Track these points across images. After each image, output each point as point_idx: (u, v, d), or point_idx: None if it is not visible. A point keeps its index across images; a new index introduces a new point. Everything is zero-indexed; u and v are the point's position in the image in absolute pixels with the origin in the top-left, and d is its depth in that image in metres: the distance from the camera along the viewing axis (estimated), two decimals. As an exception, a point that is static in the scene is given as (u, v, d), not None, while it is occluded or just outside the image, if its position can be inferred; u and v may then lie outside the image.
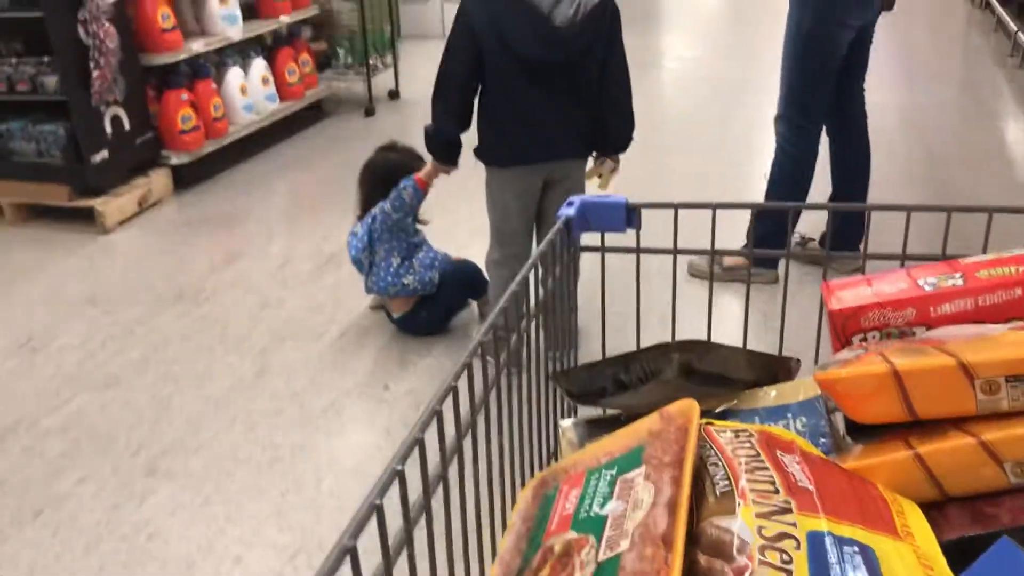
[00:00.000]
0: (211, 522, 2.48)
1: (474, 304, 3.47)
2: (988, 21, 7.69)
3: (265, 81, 5.42)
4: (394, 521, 0.75)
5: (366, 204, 3.31)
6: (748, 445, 0.90)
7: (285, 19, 5.54)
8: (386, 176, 3.22)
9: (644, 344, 1.22)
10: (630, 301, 1.42)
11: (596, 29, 2.72)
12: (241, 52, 5.35)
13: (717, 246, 1.41)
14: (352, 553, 0.67)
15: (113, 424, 2.92)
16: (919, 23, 7.79)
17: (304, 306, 3.61)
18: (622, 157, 3.00)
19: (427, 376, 3.10)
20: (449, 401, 0.88)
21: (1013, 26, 6.70)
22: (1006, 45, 6.91)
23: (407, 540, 0.81)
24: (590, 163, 3.00)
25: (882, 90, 5.20)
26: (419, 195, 3.14)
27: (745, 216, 1.52)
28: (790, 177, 3.41)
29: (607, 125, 2.88)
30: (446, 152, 2.93)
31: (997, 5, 7.30)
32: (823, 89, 3.31)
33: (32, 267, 4.07)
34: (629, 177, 3.12)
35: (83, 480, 2.66)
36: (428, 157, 3.05)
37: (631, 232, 1.43)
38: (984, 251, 1.32)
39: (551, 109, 2.79)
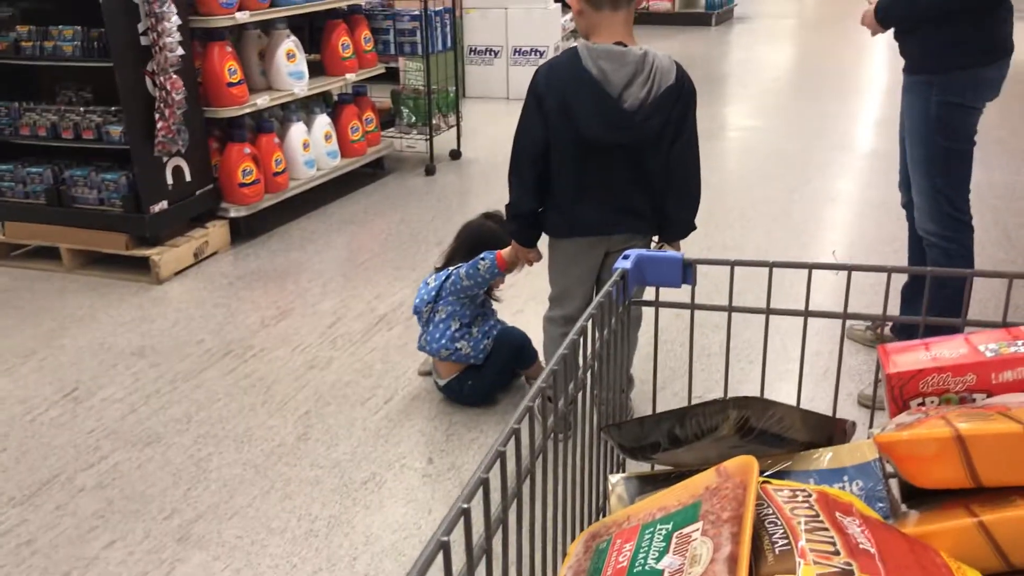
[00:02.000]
0: (239, 597, 2.37)
1: (523, 377, 3.35)
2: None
3: (328, 137, 5.43)
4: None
5: (449, 259, 3.26)
6: (807, 505, 0.89)
7: (351, 76, 5.56)
8: (475, 241, 3.19)
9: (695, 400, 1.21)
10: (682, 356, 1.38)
11: (668, 113, 2.62)
12: (305, 107, 5.38)
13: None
14: None
15: (149, 484, 2.84)
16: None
17: (352, 368, 3.52)
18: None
19: (472, 451, 2.97)
20: (511, 446, 0.89)
21: (1096, 107, 6.46)
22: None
23: None
24: (652, 247, 2.89)
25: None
26: (494, 271, 3.04)
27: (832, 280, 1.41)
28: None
29: (668, 211, 2.77)
30: (524, 230, 2.86)
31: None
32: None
33: (84, 315, 4.06)
34: (688, 244, 2.99)
35: (113, 543, 2.57)
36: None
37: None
38: None
39: (614, 191, 2.71)
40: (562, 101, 2.62)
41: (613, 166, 2.67)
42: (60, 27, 4.25)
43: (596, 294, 3.08)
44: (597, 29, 2.63)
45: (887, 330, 3.31)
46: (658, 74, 2.59)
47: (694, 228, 2.83)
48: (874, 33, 3.10)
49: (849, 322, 3.53)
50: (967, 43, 2.86)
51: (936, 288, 3.01)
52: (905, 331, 3.03)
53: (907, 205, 3.32)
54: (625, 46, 2.60)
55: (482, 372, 3.20)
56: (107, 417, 3.22)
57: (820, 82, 8.94)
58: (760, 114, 7.84)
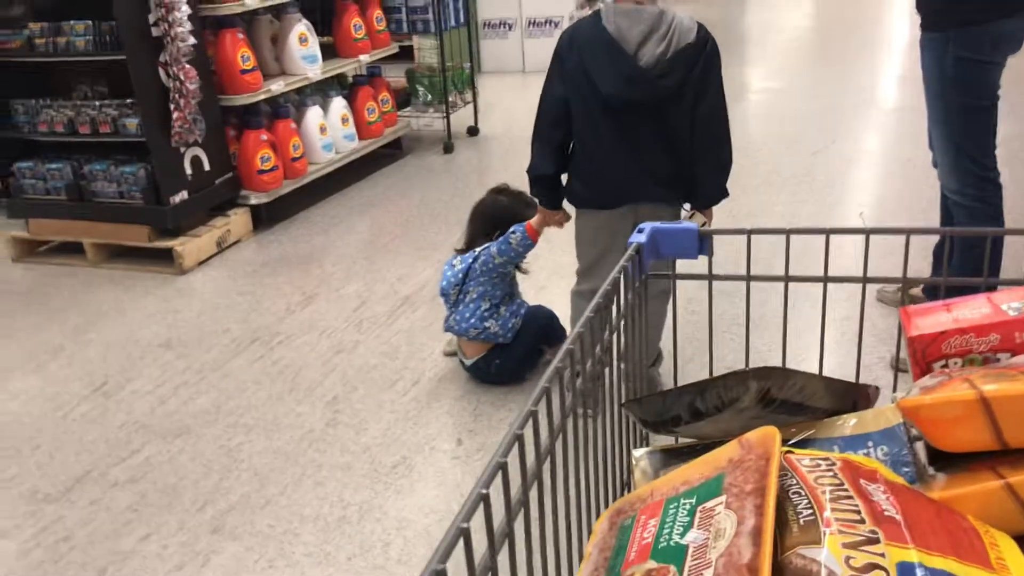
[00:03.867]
0: (275, 586, 2.37)
1: (548, 354, 3.32)
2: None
3: (344, 120, 5.40)
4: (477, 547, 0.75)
5: (470, 242, 3.22)
6: (831, 474, 0.88)
7: (365, 58, 5.52)
8: (492, 219, 3.16)
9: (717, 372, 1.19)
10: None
11: (687, 70, 2.57)
12: (321, 91, 5.35)
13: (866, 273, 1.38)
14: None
15: (181, 476, 2.85)
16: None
17: (378, 351, 3.51)
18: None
19: (501, 431, 2.96)
20: (528, 428, 0.89)
21: None
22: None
23: (491, 567, 0.80)
24: (683, 215, 2.84)
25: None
26: (527, 243, 3.01)
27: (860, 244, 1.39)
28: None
29: (698, 176, 2.72)
30: (546, 193, 2.85)
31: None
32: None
33: (110, 308, 4.08)
34: (715, 209, 2.94)
35: (148, 537, 2.59)
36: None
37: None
38: None
39: (637, 154, 2.66)
40: (580, 60, 2.61)
41: (635, 126, 2.63)
42: (72, 22, 4.24)
43: None
44: None
45: (919, 291, 3.24)
46: (677, 32, 2.55)
47: (726, 194, 2.78)
48: None
49: (880, 285, 3.47)
50: None
51: (964, 249, 2.95)
52: (935, 292, 2.97)
53: (935, 165, 3.24)
54: (642, 5, 2.57)
55: (510, 351, 3.18)
56: (137, 410, 3.23)
57: (841, 40, 8.79)
58: (781, 75, 7.72)
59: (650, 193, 2.72)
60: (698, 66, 2.58)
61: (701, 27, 2.62)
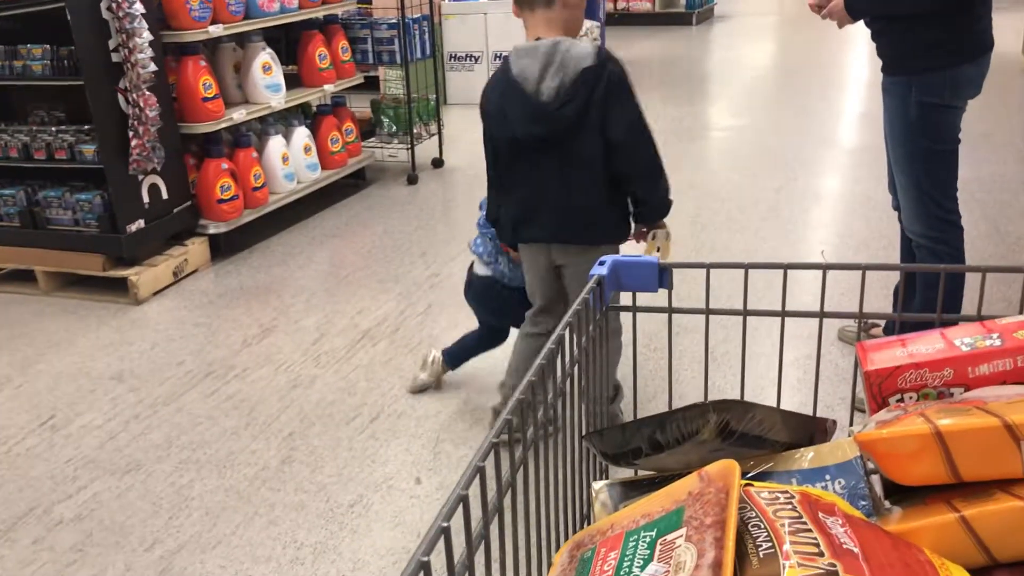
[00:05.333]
0: (223, 632, 2.29)
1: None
2: (1050, 91, 7.45)
3: (307, 150, 5.36)
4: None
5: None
6: (790, 507, 0.89)
7: (329, 88, 5.49)
8: None
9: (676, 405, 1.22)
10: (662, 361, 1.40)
11: (588, 94, 2.50)
12: (284, 120, 5.30)
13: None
14: None
15: (129, 514, 2.76)
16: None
17: (336, 386, 3.45)
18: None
19: (461, 469, 2.89)
20: (490, 460, 0.90)
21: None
22: (1071, 117, 6.66)
23: None
24: (643, 244, 2.82)
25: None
26: (490, 235, 2.98)
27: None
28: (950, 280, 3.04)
29: (637, 194, 2.70)
30: (500, 234, 2.89)
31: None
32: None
33: (62, 339, 3.97)
34: (675, 246, 2.92)
35: (92, 579, 2.50)
36: None
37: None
38: (1020, 312, 1.31)
39: (548, 191, 2.64)
40: (496, 105, 2.67)
41: (549, 163, 2.61)
42: (29, 46, 4.16)
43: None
44: (527, 29, 2.68)
45: (880, 330, 3.25)
46: (571, 60, 2.51)
47: (668, 204, 2.72)
48: (841, 25, 3.03)
49: (843, 323, 3.48)
50: (942, 42, 2.80)
51: (926, 288, 2.96)
52: (895, 329, 2.98)
53: (898, 207, 3.27)
54: (540, 40, 2.59)
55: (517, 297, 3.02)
56: (85, 445, 3.14)
57: (802, 79, 8.92)
58: (744, 112, 7.80)
59: (566, 233, 2.68)
60: (599, 88, 2.51)
61: (601, 51, 2.57)
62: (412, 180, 6.08)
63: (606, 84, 2.52)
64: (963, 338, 1.23)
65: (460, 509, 0.83)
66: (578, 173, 2.61)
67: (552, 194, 2.64)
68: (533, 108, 2.55)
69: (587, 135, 2.56)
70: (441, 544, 0.77)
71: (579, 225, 2.66)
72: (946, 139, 2.91)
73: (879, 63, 3.02)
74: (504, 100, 2.62)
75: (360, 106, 6.40)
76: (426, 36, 6.25)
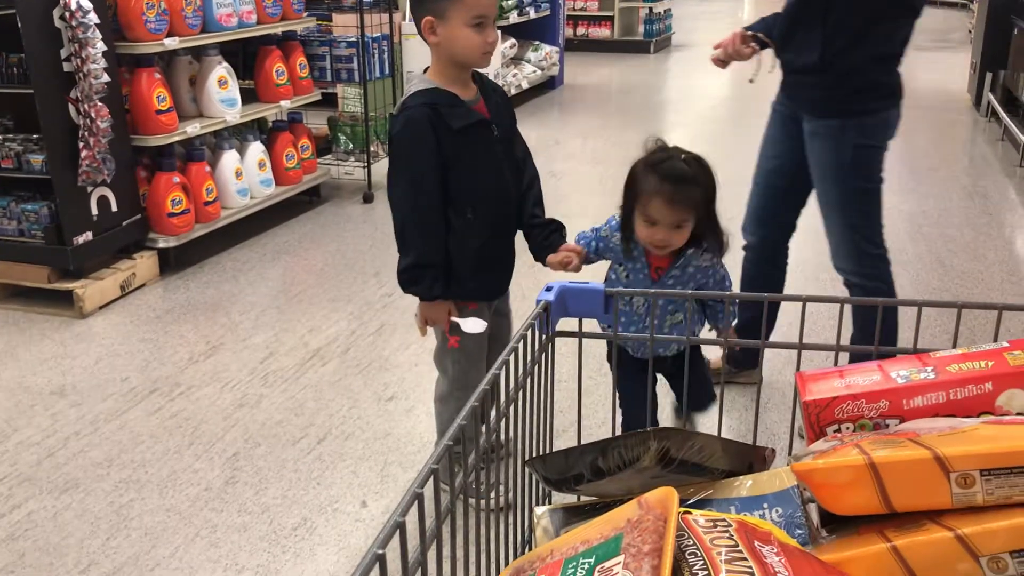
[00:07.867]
0: (159, 657, 2.24)
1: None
2: (995, 130, 7.65)
3: (262, 165, 5.31)
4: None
5: None
6: (727, 535, 0.90)
7: (286, 104, 5.45)
8: None
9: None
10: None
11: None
12: (239, 135, 5.25)
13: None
14: None
15: (65, 535, 2.69)
16: (924, 130, 7.75)
17: (283, 406, 3.41)
18: None
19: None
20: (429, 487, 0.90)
21: (1021, 136, 6.63)
22: (1014, 155, 6.84)
23: None
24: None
25: (890, 195, 5.09)
26: None
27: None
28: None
29: None
30: None
31: (1004, 115, 7.27)
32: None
33: (2, 352, 3.88)
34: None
35: (23, 601, 2.43)
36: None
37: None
38: (954, 346, 1.34)
39: None
40: None
41: None
42: (-23, 52, 4.09)
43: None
44: None
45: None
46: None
47: (404, 281, 2.58)
48: (750, 56, 3.05)
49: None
50: (879, 87, 2.86)
51: (865, 322, 3.01)
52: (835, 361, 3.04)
53: (753, 246, 3.37)
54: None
55: None
56: (21, 462, 3.06)
57: (755, 108, 9.06)
58: (699, 139, 7.89)
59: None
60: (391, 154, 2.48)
61: (408, 99, 2.45)
62: (368, 199, 6.05)
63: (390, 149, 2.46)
64: (899, 370, 1.27)
65: (397, 536, 0.82)
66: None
67: None
68: None
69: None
70: (376, 572, 0.77)
71: None
72: (876, 178, 2.97)
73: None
74: None
75: (317, 123, 6.37)
76: (385, 55, 6.25)
